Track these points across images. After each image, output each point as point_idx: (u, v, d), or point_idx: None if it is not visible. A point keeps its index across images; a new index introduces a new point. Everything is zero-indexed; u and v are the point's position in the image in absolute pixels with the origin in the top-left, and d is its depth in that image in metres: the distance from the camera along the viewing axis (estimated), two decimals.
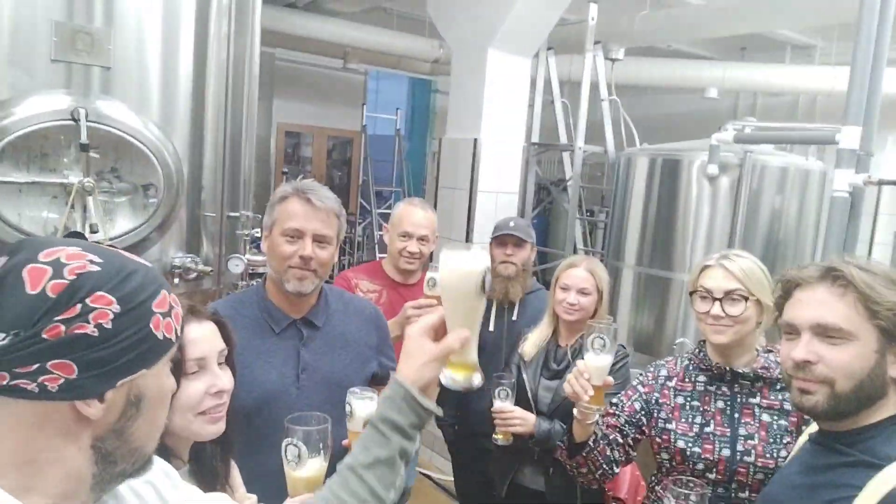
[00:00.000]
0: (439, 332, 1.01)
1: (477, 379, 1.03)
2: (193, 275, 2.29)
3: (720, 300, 1.61)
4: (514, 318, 2.60)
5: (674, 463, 1.67)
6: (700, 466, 1.61)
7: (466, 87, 4.30)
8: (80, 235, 1.90)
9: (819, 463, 1.12)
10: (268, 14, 5.64)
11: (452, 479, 3.41)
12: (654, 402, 1.73)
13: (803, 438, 1.26)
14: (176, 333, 0.75)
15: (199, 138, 2.36)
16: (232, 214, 2.44)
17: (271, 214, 1.65)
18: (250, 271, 2.45)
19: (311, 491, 1.16)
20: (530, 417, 2.11)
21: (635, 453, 1.80)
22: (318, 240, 1.63)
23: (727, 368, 1.65)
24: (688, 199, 3.86)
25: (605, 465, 1.72)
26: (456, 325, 1.00)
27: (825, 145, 4.22)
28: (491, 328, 2.58)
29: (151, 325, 0.72)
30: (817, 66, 6.68)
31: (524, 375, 2.25)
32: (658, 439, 1.71)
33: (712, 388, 1.68)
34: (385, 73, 8.34)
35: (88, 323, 0.67)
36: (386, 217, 8.00)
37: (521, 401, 2.18)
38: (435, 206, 4.57)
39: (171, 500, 0.88)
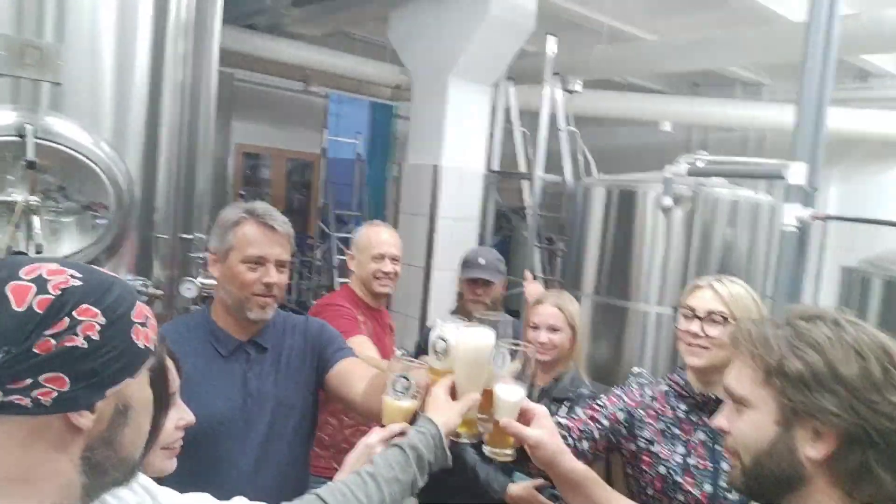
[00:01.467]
0: (451, 393, 1.20)
1: (479, 434, 1.23)
2: (144, 298, 2.21)
3: (702, 319, 1.59)
4: None
5: (651, 490, 1.60)
6: (680, 498, 1.55)
7: (427, 114, 4.33)
8: (22, 256, 1.82)
9: None
10: (228, 35, 5.58)
11: None
12: (638, 418, 1.66)
13: None
14: (154, 343, 0.78)
15: (153, 159, 2.30)
16: (185, 236, 2.38)
17: (224, 239, 1.60)
18: (204, 294, 2.39)
19: (406, 421, 1.24)
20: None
21: (601, 458, 1.71)
22: (279, 265, 1.61)
23: (713, 397, 1.58)
24: (643, 230, 3.93)
25: None
26: (468, 389, 1.20)
27: (774, 179, 4.35)
28: None
29: (133, 335, 0.74)
30: (765, 102, 6.92)
31: None
32: (638, 459, 1.64)
33: (693, 418, 1.61)
34: (346, 96, 8.34)
35: (77, 335, 0.68)
36: (346, 241, 7.95)
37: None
38: None
39: None
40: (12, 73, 1.88)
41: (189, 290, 2.30)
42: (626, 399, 1.71)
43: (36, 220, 1.82)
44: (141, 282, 2.19)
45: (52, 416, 0.69)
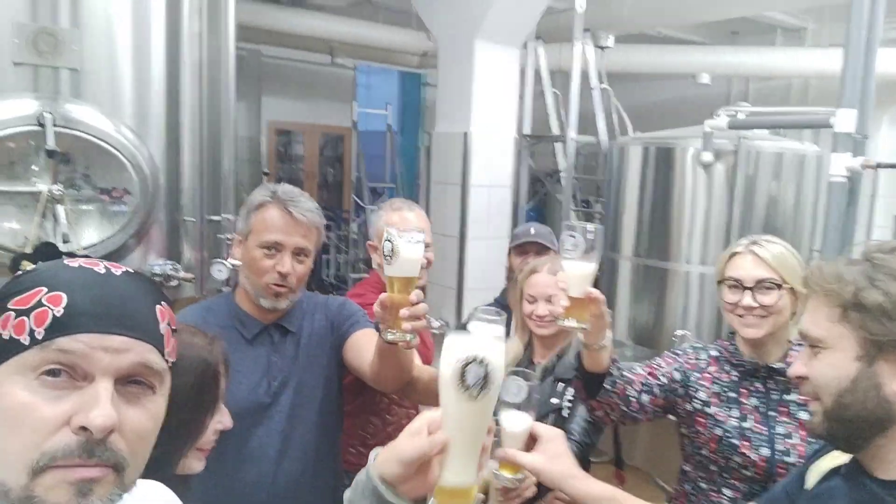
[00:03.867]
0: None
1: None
2: (175, 282, 2.22)
3: (751, 289, 1.51)
4: None
5: (706, 451, 1.58)
6: (737, 460, 1.53)
7: (454, 79, 4.22)
8: (51, 246, 1.83)
9: None
10: (250, 10, 5.55)
11: None
12: (692, 380, 1.63)
13: (816, 477, 1.02)
14: (32, 336, 0.64)
15: (176, 141, 2.28)
16: (213, 218, 2.37)
17: (248, 221, 1.57)
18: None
19: (523, 447, 1.13)
20: None
21: (659, 415, 1.67)
22: (297, 253, 1.55)
23: (763, 364, 1.56)
24: (683, 188, 3.80)
25: (623, 406, 1.55)
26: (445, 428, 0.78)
27: (820, 129, 4.15)
28: None
29: None
30: (809, 48, 6.60)
31: None
32: (692, 420, 1.61)
33: (745, 384, 1.59)
34: (375, 67, 8.24)
35: None
36: None
37: None
38: (427, 202, 4.50)
39: None
40: (27, 62, 1.87)
41: (220, 271, 2.29)
42: (681, 360, 1.68)
43: (61, 210, 1.82)
44: (171, 265, 2.19)
45: None
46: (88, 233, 1.93)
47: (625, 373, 1.58)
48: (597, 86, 5.29)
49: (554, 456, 1.14)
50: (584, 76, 4.99)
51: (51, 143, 1.82)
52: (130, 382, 0.68)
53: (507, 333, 2.40)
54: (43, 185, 1.85)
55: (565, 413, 1.83)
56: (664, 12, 5.54)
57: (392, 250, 1.26)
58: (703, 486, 1.62)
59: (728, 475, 1.56)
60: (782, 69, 6.38)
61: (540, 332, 1.94)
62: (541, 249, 2.52)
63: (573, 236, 1.28)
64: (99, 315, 0.66)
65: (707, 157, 3.65)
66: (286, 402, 1.59)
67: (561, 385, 1.88)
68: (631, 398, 1.56)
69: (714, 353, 1.67)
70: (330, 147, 9.93)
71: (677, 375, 1.65)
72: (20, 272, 0.69)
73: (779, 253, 1.54)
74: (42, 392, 0.63)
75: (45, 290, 0.66)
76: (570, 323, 1.36)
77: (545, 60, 5.40)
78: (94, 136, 1.96)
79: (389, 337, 1.28)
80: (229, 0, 2.44)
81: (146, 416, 0.68)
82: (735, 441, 1.53)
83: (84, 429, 0.63)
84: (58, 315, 0.65)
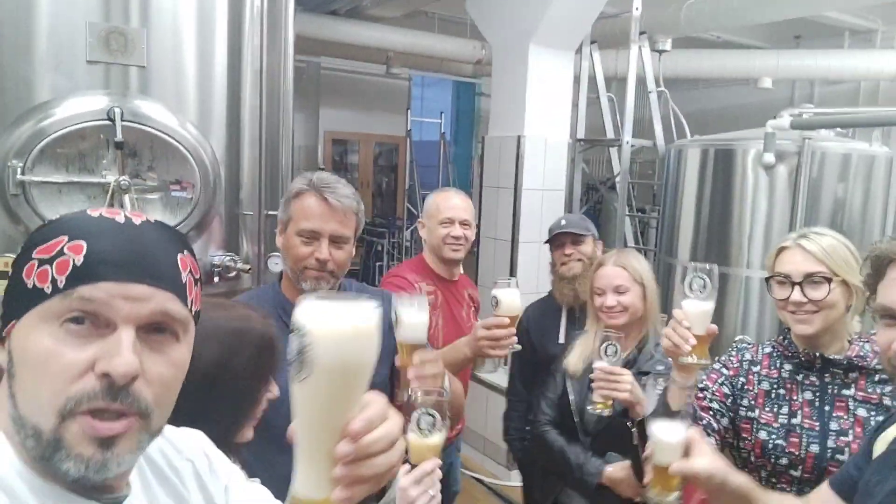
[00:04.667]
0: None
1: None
2: (233, 273, 2.28)
3: (800, 284, 1.47)
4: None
5: (752, 457, 1.53)
6: (784, 461, 1.48)
7: (508, 83, 4.23)
8: None
9: None
10: (310, 22, 5.69)
11: (504, 483, 3.30)
12: (739, 386, 1.60)
13: (883, 446, 1.01)
14: (55, 284, 0.65)
15: (236, 139, 2.35)
16: (271, 213, 2.43)
17: (286, 210, 1.59)
18: None
19: (436, 456, 1.16)
20: (639, 390, 1.73)
21: (728, 443, 1.64)
22: (335, 240, 1.56)
23: (817, 355, 1.50)
24: (743, 191, 3.69)
25: None
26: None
27: (891, 128, 3.99)
28: (561, 339, 2.37)
29: (24, 272, 0.67)
30: (880, 49, 6.36)
31: (569, 391, 2.02)
32: (737, 428, 1.57)
33: (799, 378, 1.53)
34: (429, 78, 8.34)
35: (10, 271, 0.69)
36: None
37: (566, 420, 2.00)
38: (479, 206, 4.50)
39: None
40: (99, 59, 1.96)
41: (276, 264, 2.34)
42: (725, 372, 1.64)
43: (127, 200, 1.90)
44: (230, 257, 2.25)
45: None
46: None
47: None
48: (654, 89, 5.22)
49: (714, 455, 1.11)
50: (641, 81, 4.93)
51: (119, 136, 1.90)
52: (154, 330, 0.69)
53: (562, 327, 2.41)
54: (111, 177, 1.93)
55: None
56: (722, 15, 5.42)
57: (397, 318, 1.34)
58: None
59: (776, 479, 1.51)
60: (851, 71, 6.17)
61: (612, 322, 1.95)
62: (575, 239, 2.47)
63: (702, 279, 1.39)
64: (119, 264, 0.67)
65: (769, 158, 3.54)
66: None
67: (645, 378, 1.87)
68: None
69: (767, 349, 1.63)
70: (384, 156, 10.07)
71: (726, 390, 1.61)
72: (46, 222, 0.72)
73: (828, 245, 1.48)
74: (66, 339, 0.65)
75: (67, 238, 0.67)
76: (692, 360, 1.41)
77: (600, 65, 5.36)
78: (160, 131, 2.04)
79: (404, 397, 1.28)
80: (289, 12, 2.50)
81: (169, 363, 0.70)
82: (781, 441, 1.49)
83: (107, 375, 0.64)
84: (78, 264, 0.66)
